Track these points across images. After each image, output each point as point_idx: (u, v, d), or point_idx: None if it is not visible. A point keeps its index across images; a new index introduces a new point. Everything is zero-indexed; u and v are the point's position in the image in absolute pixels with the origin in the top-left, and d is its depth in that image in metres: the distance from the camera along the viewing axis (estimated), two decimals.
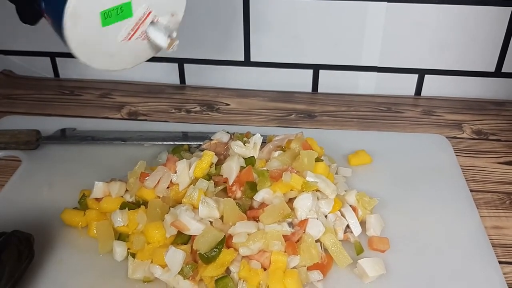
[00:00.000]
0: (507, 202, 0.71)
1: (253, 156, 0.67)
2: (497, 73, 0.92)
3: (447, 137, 0.82)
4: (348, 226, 0.63)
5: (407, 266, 0.60)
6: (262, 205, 0.61)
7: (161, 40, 0.58)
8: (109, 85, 0.97)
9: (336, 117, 0.89)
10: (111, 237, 0.62)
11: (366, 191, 0.67)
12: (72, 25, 0.52)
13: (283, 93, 0.95)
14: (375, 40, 0.90)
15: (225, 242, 0.57)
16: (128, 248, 0.60)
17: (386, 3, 0.86)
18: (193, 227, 0.58)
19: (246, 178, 0.63)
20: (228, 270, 0.57)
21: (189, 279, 0.56)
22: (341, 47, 0.92)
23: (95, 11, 0.53)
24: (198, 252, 0.56)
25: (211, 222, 0.59)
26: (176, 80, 0.99)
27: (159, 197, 0.64)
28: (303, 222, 0.60)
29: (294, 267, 0.57)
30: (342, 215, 0.64)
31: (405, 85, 0.95)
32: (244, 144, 0.68)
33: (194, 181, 0.64)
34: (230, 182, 0.63)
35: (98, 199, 0.66)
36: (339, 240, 0.60)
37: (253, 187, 0.62)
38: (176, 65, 0.97)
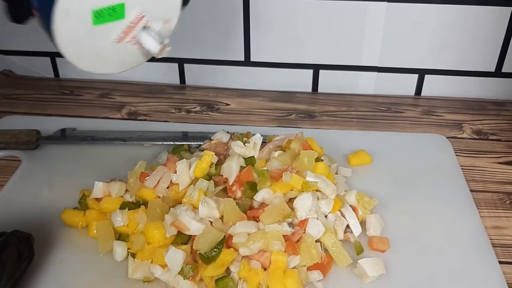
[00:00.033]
0: (507, 202, 0.71)
1: (253, 156, 0.67)
2: (497, 73, 0.92)
3: (447, 137, 0.82)
4: (348, 226, 0.63)
5: (407, 266, 0.60)
6: (262, 205, 0.61)
7: (152, 45, 0.57)
8: (109, 85, 0.97)
9: (336, 117, 0.89)
10: (111, 237, 0.62)
11: (366, 191, 0.67)
12: (62, 20, 0.51)
13: (283, 93, 0.95)
14: (375, 40, 0.90)
15: (225, 242, 0.57)
16: (128, 248, 0.60)
17: (386, 3, 0.86)
18: (193, 227, 0.58)
19: (246, 178, 0.63)
20: (228, 270, 0.57)
21: (189, 279, 0.56)
22: (341, 47, 0.92)
23: (86, 8, 0.52)
24: (198, 252, 0.56)
25: (211, 222, 0.59)
26: (176, 80, 0.99)
27: (159, 197, 0.64)
28: (303, 222, 0.60)
29: (294, 267, 0.57)
30: (342, 215, 0.64)
31: (405, 85, 0.95)
32: (244, 144, 0.68)
33: (194, 181, 0.64)
34: (230, 182, 0.63)
35: (98, 199, 0.66)
36: (339, 240, 0.60)
37: (253, 187, 0.62)
38: (176, 65, 0.97)
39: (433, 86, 0.94)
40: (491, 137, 0.84)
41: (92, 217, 0.64)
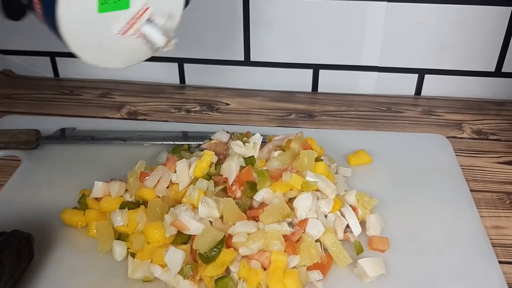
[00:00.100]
0: (507, 202, 0.71)
1: (253, 156, 0.67)
2: (497, 73, 0.92)
3: (447, 137, 0.82)
4: (348, 226, 0.63)
5: (407, 266, 0.60)
6: (262, 204, 0.61)
7: (157, 38, 0.57)
8: (109, 85, 0.97)
9: (336, 117, 0.89)
10: (111, 237, 0.62)
11: (366, 191, 0.67)
12: (67, 5, 0.50)
13: (283, 93, 0.95)
14: (375, 40, 0.90)
15: (225, 241, 0.57)
16: (128, 248, 0.60)
17: (386, 3, 0.86)
18: (193, 226, 0.58)
19: (246, 178, 0.63)
20: (228, 270, 0.57)
21: (189, 279, 0.56)
22: (341, 47, 0.92)
23: None
24: (198, 252, 0.56)
25: (211, 222, 0.59)
26: (176, 80, 0.99)
27: (159, 196, 0.64)
28: (303, 222, 0.60)
29: (294, 267, 0.57)
30: (342, 215, 0.64)
31: (405, 85, 0.95)
32: (244, 144, 0.68)
33: (194, 181, 0.64)
34: (230, 181, 0.63)
35: (98, 199, 0.66)
36: (339, 240, 0.60)
37: (253, 187, 0.62)
38: (176, 65, 0.97)
39: (433, 86, 0.94)
40: (491, 137, 0.84)
41: (92, 217, 0.64)
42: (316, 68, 0.94)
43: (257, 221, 0.60)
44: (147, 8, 0.55)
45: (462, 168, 0.76)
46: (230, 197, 0.62)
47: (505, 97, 0.94)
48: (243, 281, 0.56)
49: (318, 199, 0.62)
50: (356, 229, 0.63)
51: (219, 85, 0.97)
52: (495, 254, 0.62)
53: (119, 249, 0.60)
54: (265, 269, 0.57)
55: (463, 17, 0.87)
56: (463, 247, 0.63)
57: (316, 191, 0.63)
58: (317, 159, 0.66)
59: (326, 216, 0.62)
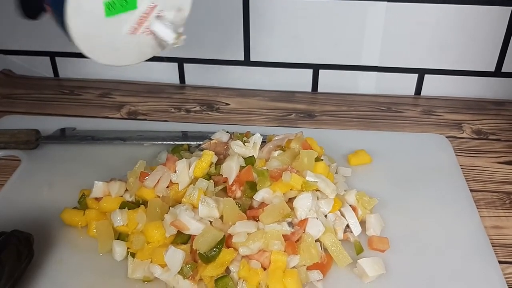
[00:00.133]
0: (507, 202, 0.71)
1: (253, 155, 0.67)
2: (497, 73, 0.92)
3: (447, 137, 0.82)
4: (348, 225, 0.63)
5: (407, 266, 0.60)
6: (262, 204, 0.61)
7: (166, 34, 0.57)
8: (109, 85, 0.97)
9: (336, 117, 0.89)
10: (111, 237, 0.62)
11: (366, 191, 0.67)
12: (75, 14, 0.51)
13: (283, 93, 0.95)
14: (375, 40, 0.90)
15: (225, 241, 0.57)
16: (128, 248, 0.60)
17: (386, 3, 0.86)
18: (193, 226, 0.58)
19: (246, 178, 0.63)
20: (228, 270, 0.57)
21: (188, 278, 0.56)
22: (341, 47, 0.92)
23: (98, 1, 0.52)
24: (197, 252, 0.56)
25: (211, 222, 0.59)
26: (176, 80, 0.99)
27: (158, 196, 0.64)
28: (303, 222, 0.60)
29: (294, 267, 0.57)
30: (342, 214, 0.64)
31: (405, 85, 0.95)
32: (244, 143, 0.68)
33: (194, 181, 0.64)
34: (230, 181, 0.63)
35: (97, 199, 0.66)
36: (339, 240, 0.60)
37: (253, 187, 0.62)
38: (176, 65, 0.97)
39: (433, 86, 0.94)
40: (491, 137, 0.84)
41: (91, 216, 0.64)
42: (316, 68, 0.94)
43: (257, 221, 0.60)
44: (155, 6, 0.55)
45: (462, 168, 0.76)
46: (230, 197, 0.62)
47: (505, 97, 0.94)
48: (243, 281, 0.56)
49: (318, 199, 0.62)
50: (356, 229, 0.63)
51: (219, 85, 0.97)
52: (495, 254, 0.62)
53: (119, 249, 0.60)
54: (265, 269, 0.57)
55: (463, 17, 0.87)
56: (463, 247, 0.63)
57: (316, 191, 0.63)
58: (317, 159, 0.66)
59: (326, 216, 0.62)
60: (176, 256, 0.56)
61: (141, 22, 0.56)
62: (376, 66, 0.93)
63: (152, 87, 0.97)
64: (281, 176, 0.62)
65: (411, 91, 0.95)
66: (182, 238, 0.59)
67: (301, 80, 0.96)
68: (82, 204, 0.66)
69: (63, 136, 0.81)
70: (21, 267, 0.56)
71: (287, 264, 0.57)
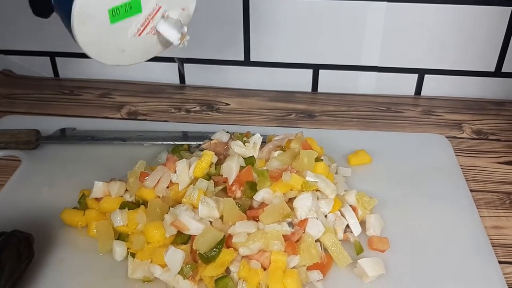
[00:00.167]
0: (507, 202, 0.71)
1: (253, 156, 0.67)
2: (497, 73, 0.92)
3: (447, 137, 0.82)
4: (348, 226, 0.63)
5: (407, 266, 0.60)
6: (262, 205, 0.61)
7: (172, 35, 0.57)
8: (109, 85, 0.97)
9: (336, 117, 0.89)
10: (111, 237, 0.62)
11: (366, 191, 0.67)
12: (80, 23, 0.52)
13: (283, 93, 0.95)
14: (375, 40, 0.90)
15: (225, 242, 0.57)
16: (128, 248, 0.60)
17: (386, 3, 0.86)
18: (193, 227, 0.58)
19: (246, 178, 0.63)
20: (228, 270, 0.57)
21: (189, 279, 0.56)
22: (341, 47, 0.92)
23: (103, 9, 0.52)
24: (198, 252, 0.56)
25: (211, 222, 0.59)
26: (176, 80, 0.99)
27: (158, 197, 0.64)
28: (303, 222, 0.60)
29: (294, 267, 0.57)
30: (342, 215, 0.64)
31: (405, 85, 0.95)
32: (244, 144, 0.68)
33: (194, 181, 0.64)
34: (230, 182, 0.63)
35: (98, 199, 0.66)
36: (339, 240, 0.60)
37: (253, 187, 0.62)
38: (176, 65, 0.97)
39: (433, 86, 0.94)
40: (491, 137, 0.84)
41: (91, 217, 0.64)
42: (316, 68, 0.94)
43: (257, 221, 0.60)
44: (159, 8, 0.56)
45: (462, 168, 0.76)
46: (230, 197, 0.62)
47: (504, 97, 0.94)
48: (243, 281, 0.56)
49: (318, 199, 0.62)
50: (356, 229, 0.63)
51: (219, 85, 0.97)
52: (495, 254, 0.62)
53: (119, 249, 0.60)
54: (265, 269, 0.57)
55: (463, 17, 0.87)
56: (463, 247, 0.63)
57: (316, 191, 0.63)
58: (317, 159, 0.66)
59: (326, 216, 0.62)
60: (176, 256, 0.56)
61: (146, 24, 0.56)
62: (376, 66, 0.93)
63: (152, 87, 0.97)
64: (281, 176, 0.62)
65: (411, 91, 0.95)
66: (182, 238, 0.59)
67: (301, 80, 0.96)
68: (82, 204, 0.66)
69: (63, 136, 0.81)
70: (21, 267, 0.56)
71: (287, 264, 0.57)
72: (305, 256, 0.57)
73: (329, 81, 0.95)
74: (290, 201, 0.62)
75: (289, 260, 0.57)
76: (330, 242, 0.59)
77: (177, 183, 0.64)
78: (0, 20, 0.94)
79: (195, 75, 0.98)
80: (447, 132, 0.85)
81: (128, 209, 0.63)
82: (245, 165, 0.65)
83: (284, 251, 0.57)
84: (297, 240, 0.59)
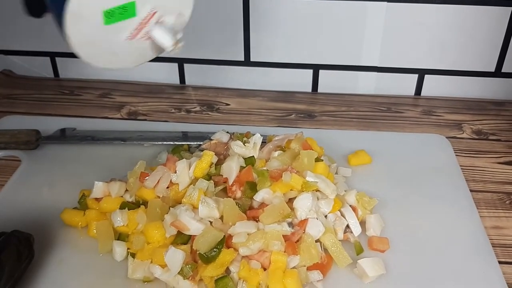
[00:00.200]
0: (507, 202, 0.71)
1: (253, 156, 0.67)
2: (497, 73, 0.92)
3: (447, 137, 0.82)
4: (348, 226, 0.63)
5: (407, 266, 0.60)
6: (262, 205, 0.61)
7: (165, 41, 0.57)
8: (109, 85, 0.97)
9: (336, 117, 0.89)
10: (111, 237, 0.62)
11: (366, 191, 0.67)
12: (74, 23, 0.51)
13: (283, 93, 0.95)
14: (375, 40, 0.90)
15: (225, 242, 0.57)
16: (128, 248, 0.60)
17: (386, 3, 0.86)
18: (193, 227, 0.58)
19: (246, 178, 0.63)
20: (228, 270, 0.57)
21: (189, 279, 0.56)
22: (341, 47, 0.92)
23: (97, 9, 0.52)
24: (198, 252, 0.56)
25: (211, 222, 0.59)
26: (176, 80, 0.99)
27: (159, 197, 0.64)
28: (303, 222, 0.60)
29: (294, 267, 0.57)
30: (342, 215, 0.64)
31: (405, 85, 0.95)
32: (244, 144, 0.68)
33: (194, 181, 0.64)
34: (230, 182, 0.63)
35: (98, 199, 0.66)
36: (339, 240, 0.60)
37: (253, 187, 0.62)
38: (176, 65, 0.97)
39: (433, 86, 0.94)
40: (491, 137, 0.84)
41: (92, 217, 0.64)
42: (316, 68, 0.94)
43: (257, 221, 0.60)
44: (154, 13, 0.55)
45: (461, 168, 0.76)
46: (230, 197, 0.62)
47: (504, 97, 0.94)
48: (243, 281, 0.56)
49: (318, 199, 0.62)
50: (356, 229, 0.63)
51: (219, 85, 0.97)
52: (495, 254, 0.62)
53: (119, 249, 0.60)
54: (265, 269, 0.57)
55: (462, 17, 0.87)
56: (463, 247, 0.63)
57: (316, 191, 0.63)
58: (317, 159, 0.66)
59: (326, 216, 0.62)
60: (176, 256, 0.56)
61: (140, 28, 0.56)
62: (376, 66, 0.93)
63: (152, 87, 0.97)
64: (281, 177, 0.62)
65: (411, 91, 0.95)
66: (182, 239, 0.59)
67: (301, 80, 0.96)
68: (82, 204, 0.66)
69: (63, 136, 0.81)
70: (21, 268, 0.56)
71: (287, 264, 0.57)
72: (305, 256, 0.57)
73: (329, 81, 0.95)
74: (290, 201, 0.62)
75: (289, 260, 0.57)
76: (330, 242, 0.59)
77: (177, 183, 0.64)
78: (0, 20, 0.94)
79: (195, 75, 0.98)
80: (447, 132, 0.85)
81: (128, 209, 0.63)
82: (245, 165, 0.65)
83: (284, 251, 0.57)
84: (297, 240, 0.59)
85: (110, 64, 0.58)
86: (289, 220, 0.60)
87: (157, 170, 0.65)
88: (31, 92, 0.96)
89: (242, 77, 0.96)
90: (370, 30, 0.89)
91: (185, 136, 0.80)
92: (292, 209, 0.61)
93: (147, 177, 0.65)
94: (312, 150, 0.67)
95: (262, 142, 0.68)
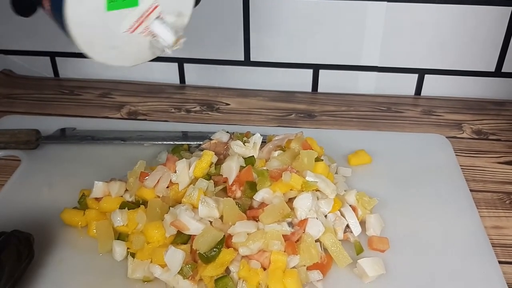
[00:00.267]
0: (507, 202, 0.71)
1: (253, 155, 0.67)
2: (497, 73, 0.92)
3: (447, 137, 0.82)
4: (348, 226, 0.63)
5: (407, 266, 0.60)
6: (262, 204, 0.61)
7: (166, 36, 0.56)
8: (109, 85, 0.97)
9: (336, 117, 0.89)
10: (111, 237, 0.62)
11: (366, 191, 0.67)
12: (74, 3, 0.50)
13: (283, 92, 0.95)
14: (375, 40, 0.90)
15: (225, 241, 0.57)
16: (128, 248, 0.60)
17: (386, 3, 0.86)
18: (193, 226, 0.58)
19: (246, 178, 0.63)
20: (227, 270, 0.57)
21: (188, 278, 0.56)
22: (341, 47, 0.92)
23: None
24: (197, 252, 0.56)
25: (210, 222, 0.59)
26: (176, 80, 0.99)
27: (158, 196, 0.64)
28: (303, 222, 0.60)
29: (293, 267, 0.57)
30: (342, 215, 0.64)
31: (405, 85, 0.95)
32: (244, 143, 0.68)
33: (193, 181, 0.64)
34: (230, 181, 0.63)
35: (98, 199, 0.66)
36: (339, 240, 0.60)
37: (253, 187, 0.62)
38: (176, 65, 0.97)
39: (433, 86, 0.94)
40: (491, 137, 0.84)
41: (91, 216, 0.64)
42: (316, 68, 0.94)
43: (257, 221, 0.60)
44: (156, 6, 0.55)
45: (462, 168, 0.76)
46: (230, 197, 0.62)
47: (505, 97, 0.94)
48: (243, 281, 0.56)
49: (318, 199, 0.62)
50: (356, 229, 0.63)
51: (219, 85, 0.97)
52: (495, 254, 0.62)
53: (119, 249, 0.60)
54: (265, 269, 0.57)
55: (463, 17, 0.87)
56: (463, 247, 0.63)
57: (316, 191, 0.63)
58: (317, 159, 0.66)
59: (326, 216, 0.62)
60: (176, 256, 0.56)
61: (141, 21, 0.55)
62: (376, 66, 0.93)
63: (152, 87, 0.97)
64: (281, 176, 0.62)
65: (411, 91, 0.95)
66: (182, 238, 0.59)
67: (301, 80, 0.96)
68: (82, 204, 0.66)
69: (63, 136, 0.81)
70: (21, 267, 0.56)
71: (287, 264, 0.57)
72: (305, 256, 0.57)
73: (329, 81, 0.95)
74: (290, 201, 0.62)
75: (289, 260, 0.57)
76: (330, 242, 0.59)
77: (177, 183, 0.64)
78: (0, 20, 0.94)
79: (195, 75, 0.98)
80: (447, 132, 0.85)
81: (128, 209, 0.63)
82: (245, 165, 0.65)
83: (284, 251, 0.57)
84: (297, 240, 0.59)
85: (108, 59, 0.57)
86: (289, 220, 0.60)
87: (157, 170, 0.65)
88: (31, 92, 0.96)
89: (242, 77, 0.96)
90: (370, 30, 0.89)
91: (185, 136, 0.80)
92: (292, 209, 0.61)
93: (147, 177, 0.65)
94: (312, 150, 0.67)
95: (262, 142, 0.68)
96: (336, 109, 0.91)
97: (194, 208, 0.60)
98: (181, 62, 0.97)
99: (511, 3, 0.85)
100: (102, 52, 0.56)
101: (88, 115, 0.89)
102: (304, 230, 0.59)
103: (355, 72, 0.94)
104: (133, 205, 0.64)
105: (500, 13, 0.86)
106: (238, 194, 0.62)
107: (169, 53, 0.58)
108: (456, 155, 0.78)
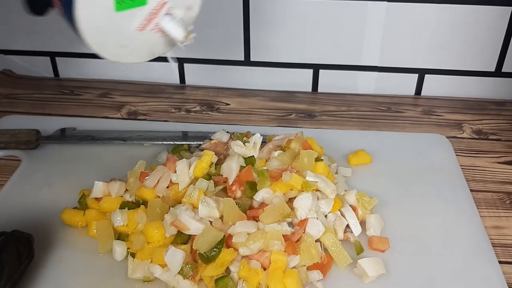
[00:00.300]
0: (507, 202, 0.71)
1: (253, 155, 0.67)
2: (497, 72, 0.92)
3: (447, 137, 0.82)
4: (348, 226, 0.63)
5: (407, 266, 0.60)
6: (262, 204, 0.61)
7: (176, 32, 0.56)
8: (109, 85, 0.97)
9: (336, 117, 0.89)
10: (111, 237, 0.62)
11: (366, 191, 0.67)
12: (84, 6, 0.50)
13: (283, 92, 0.95)
14: (375, 40, 0.90)
15: (225, 241, 0.57)
16: (128, 248, 0.60)
17: (386, 3, 0.86)
18: (193, 226, 0.58)
19: (246, 178, 0.63)
20: (228, 270, 0.57)
21: (189, 278, 0.56)
22: (341, 47, 0.92)
23: None
24: (198, 252, 0.56)
25: (211, 222, 0.59)
26: (176, 79, 0.99)
27: (158, 196, 0.64)
28: (303, 222, 0.60)
29: (294, 267, 0.57)
30: (342, 215, 0.64)
31: (405, 85, 0.95)
32: (244, 143, 0.68)
33: (194, 181, 0.64)
34: (230, 181, 0.63)
35: (98, 199, 0.66)
36: (339, 240, 0.60)
37: (253, 187, 0.62)
38: (176, 65, 0.97)
39: (433, 86, 0.94)
40: (491, 137, 0.84)
41: (92, 216, 0.64)
42: (316, 68, 0.94)
43: (257, 221, 0.60)
44: (164, 3, 0.55)
45: (462, 168, 0.76)
46: (230, 197, 0.62)
47: (505, 97, 0.94)
48: (243, 281, 0.56)
49: (318, 199, 0.62)
50: (356, 229, 0.63)
51: (219, 85, 0.97)
52: (495, 254, 0.62)
53: (119, 249, 0.60)
54: (265, 269, 0.57)
55: (463, 17, 0.87)
56: (463, 247, 0.63)
57: (316, 191, 0.63)
58: (317, 159, 0.66)
59: (326, 216, 0.62)
60: (176, 256, 0.56)
61: (150, 19, 0.55)
62: (376, 66, 0.93)
63: (152, 87, 0.97)
64: (281, 176, 0.62)
65: (411, 91, 0.95)
66: (182, 238, 0.59)
67: (301, 80, 0.96)
68: (82, 204, 0.67)
69: (63, 136, 0.81)
70: (22, 268, 0.56)
71: (287, 264, 0.57)
72: (305, 256, 0.57)
73: (329, 81, 0.95)
74: (290, 201, 0.62)
75: (289, 260, 0.57)
76: (330, 242, 0.59)
77: (177, 183, 0.64)
78: (0, 20, 0.94)
79: (195, 75, 0.98)
80: (448, 132, 0.85)
81: (128, 209, 0.63)
82: (245, 165, 0.65)
83: (284, 251, 0.57)
84: (297, 240, 0.59)
85: (121, 58, 0.57)
86: (289, 220, 0.60)
87: (157, 170, 0.65)
88: (31, 92, 0.96)
89: (242, 76, 0.96)
90: (370, 30, 0.89)
91: (185, 136, 0.80)
92: (292, 209, 0.61)
93: (147, 177, 0.65)
94: (312, 150, 0.67)
95: (262, 141, 0.68)
96: (336, 109, 0.91)
97: (194, 208, 0.60)
98: (181, 62, 0.97)
99: (511, 3, 0.85)
100: (114, 51, 0.56)
101: (88, 115, 0.89)
102: (304, 230, 0.59)
103: (355, 72, 0.94)
104: (133, 205, 0.64)
105: (500, 13, 0.86)
106: (238, 194, 0.62)
107: (181, 48, 0.58)
108: (457, 155, 0.78)
